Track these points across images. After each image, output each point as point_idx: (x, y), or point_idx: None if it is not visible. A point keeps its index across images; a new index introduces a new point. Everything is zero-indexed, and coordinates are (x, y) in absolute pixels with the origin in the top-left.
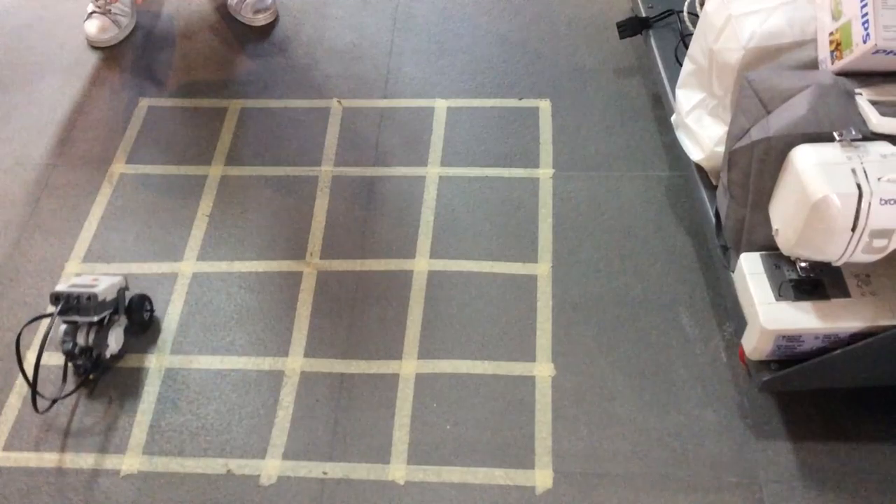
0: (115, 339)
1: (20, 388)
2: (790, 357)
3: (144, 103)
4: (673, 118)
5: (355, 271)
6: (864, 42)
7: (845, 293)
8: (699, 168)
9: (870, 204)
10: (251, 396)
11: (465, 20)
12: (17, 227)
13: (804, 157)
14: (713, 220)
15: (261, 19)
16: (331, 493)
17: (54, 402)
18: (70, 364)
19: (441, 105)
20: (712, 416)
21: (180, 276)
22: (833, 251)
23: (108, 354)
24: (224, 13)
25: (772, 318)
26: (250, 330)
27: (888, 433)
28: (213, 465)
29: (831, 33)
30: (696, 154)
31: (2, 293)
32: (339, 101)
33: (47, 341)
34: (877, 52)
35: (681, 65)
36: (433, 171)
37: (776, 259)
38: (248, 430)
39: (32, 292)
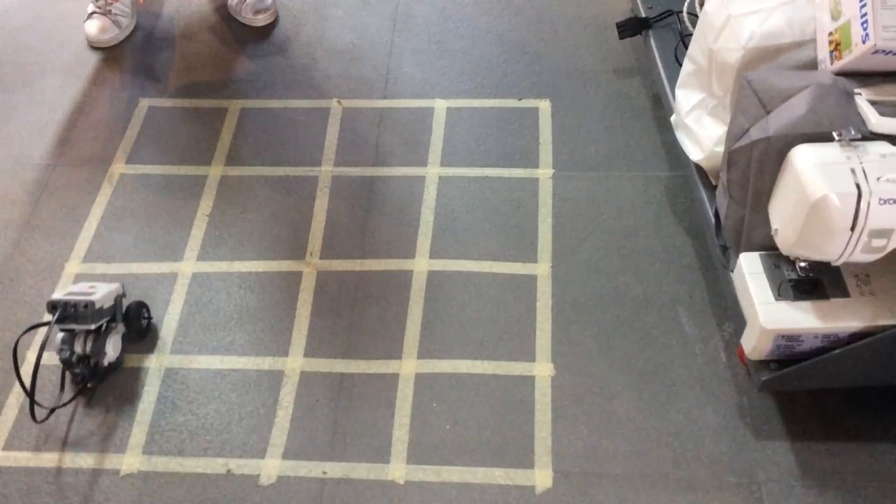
0: (112, 347)
1: (20, 388)
2: (789, 357)
3: (144, 103)
4: (672, 118)
5: (355, 271)
6: (864, 42)
7: (845, 293)
8: (699, 168)
9: (869, 204)
10: (251, 396)
11: (464, 20)
12: (17, 227)
13: (803, 157)
14: (713, 219)
15: (261, 20)
16: (330, 492)
17: (52, 411)
18: (68, 372)
19: (441, 105)
20: (712, 415)
21: (180, 276)
22: (832, 251)
23: (105, 362)
24: (224, 14)
25: (771, 317)
26: (250, 330)
27: (887, 433)
28: (213, 465)
29: (830, 33)
30: (695, 154)
31: (2, 293)
32: (338, 102)
33: (45, 349)
34: (876, 52)
35: (680, 65)
36: (433, 172)
37: (775, 259)
38: (247, 430)
39: (32, 292)
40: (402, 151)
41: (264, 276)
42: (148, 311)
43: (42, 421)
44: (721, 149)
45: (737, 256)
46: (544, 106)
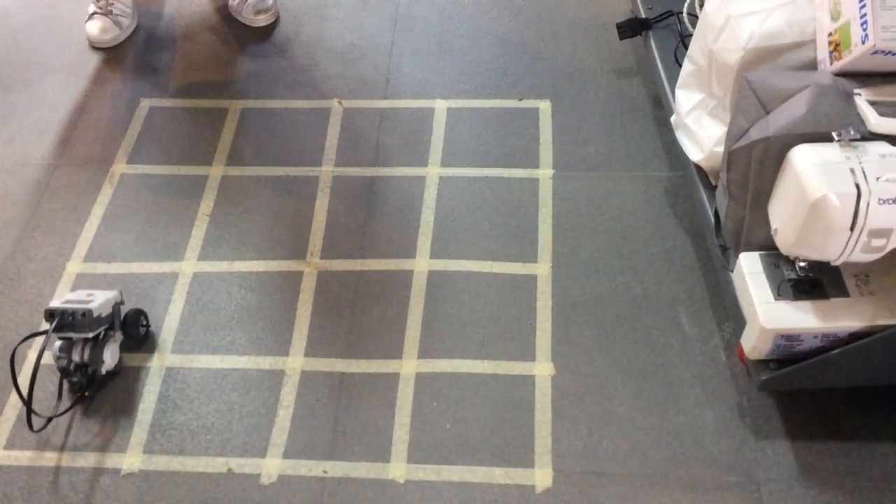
0: (110, 355)
1: (21, 386)
2: (789, 356)
3: (145, 104)
4: (672, 118)
5: (355, 271)
6: (863, 43)
7: (844, 293)
8: (698, 168)
9: (868, 204)
10: (252, 395)
11: (465, 21)
12: (18, 226)
13: (803, 157)
14: (712, 220)
15: (261, 20)
16: (331, 491)
17: (49, 420)
18: (65, 381)
19: (441, 105)
20: (711, 415)
21: (181, 276)
22: (832, 251)
23: (103, 371)
24: (225, 14)
25: (771, 317)
26: (251, 329)
27: (887, 433)
28: (214, 464)
29: (830, 34)
30: (695, 154)
31: (3, 293)
32: (339, 102)
33: (42, 358)
34: (875, 52)
35: (680, 65)
36: (433, 172)
37: (775, 259)
38: (248, 429)
39: (33, 292)
40: (403, 151)
41: (265, 276)
42: (146, 318)
43: (39, 430)
44: (721, 149)
45: (736, 256)
46: (544, 106)
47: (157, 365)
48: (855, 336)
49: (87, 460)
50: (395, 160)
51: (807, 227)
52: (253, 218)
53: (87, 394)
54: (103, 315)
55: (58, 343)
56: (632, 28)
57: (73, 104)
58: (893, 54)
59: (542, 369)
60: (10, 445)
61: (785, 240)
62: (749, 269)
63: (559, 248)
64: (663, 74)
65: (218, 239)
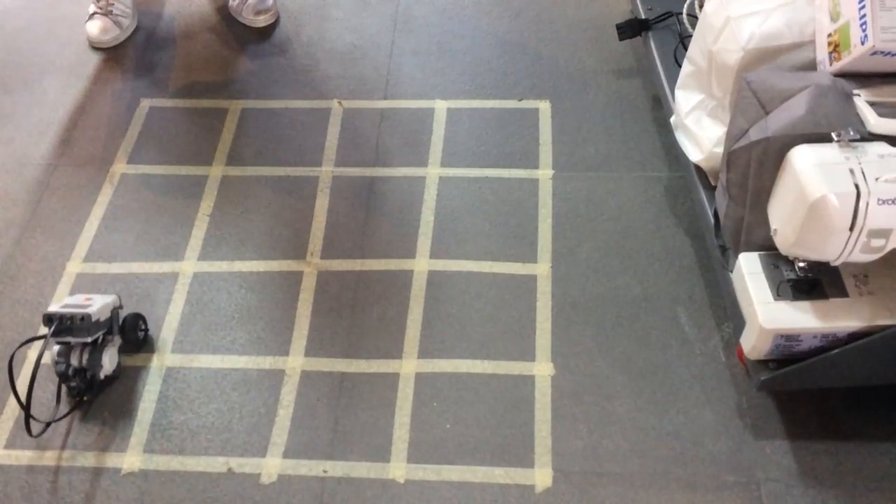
0: (109, 360)
1: (21, 386)
2: (788, 356)
3: (146, 104)
4: (672, 119)
5: (355, 271)
6: (863, 43)
7: (843, 293)
8: (698, 169)
9: (867, 204)
10: (252, 395)
11: (465, 21)
12: (18, 226)
13: (802, 158)
14: (712, 220)
15: (261, 20)
16: (331, 491)
17: (48, 425)
18: (64, 385)
19: (441, 106)
20: (711, 415)
21: (181, 276)
22: (831, 251)
23: (102, 375)
24: (225, 14)
25: (770, 317)
26: (251, 329)
27: (886, 432)
28: (214, 464)
29: (830, 35)
30: (695, 155)
31: (3, 292)
32: (339, 102)
33: (40, 362)
34: (875, 53)
35: (680, 66)
36: (433, 172)
37: (775, 259)
38: (248, 429)
39: (33, 292)
40: (403, 152)
41: (265, 276)
42: (144, 322)
43: (38, 435)
44: (720, 149)
45: (736, 256)
46: (544, 107)
47: (158, 365)
48: (854, 336)
49: (88, 460)
50: (395, 160)
51: (806, 227)
52: (253, 218)
53: (85, 398)
54: (102, 319)
55: (56, 348)
56: (631, 29)
57: (73, 104)
58: (893, 55)
59: (542, 369)
60: (10, 445)
61: (784, 240)
62: (748, 270)
63: (559, 249)
64: (663, 75)
65: (218, 239)
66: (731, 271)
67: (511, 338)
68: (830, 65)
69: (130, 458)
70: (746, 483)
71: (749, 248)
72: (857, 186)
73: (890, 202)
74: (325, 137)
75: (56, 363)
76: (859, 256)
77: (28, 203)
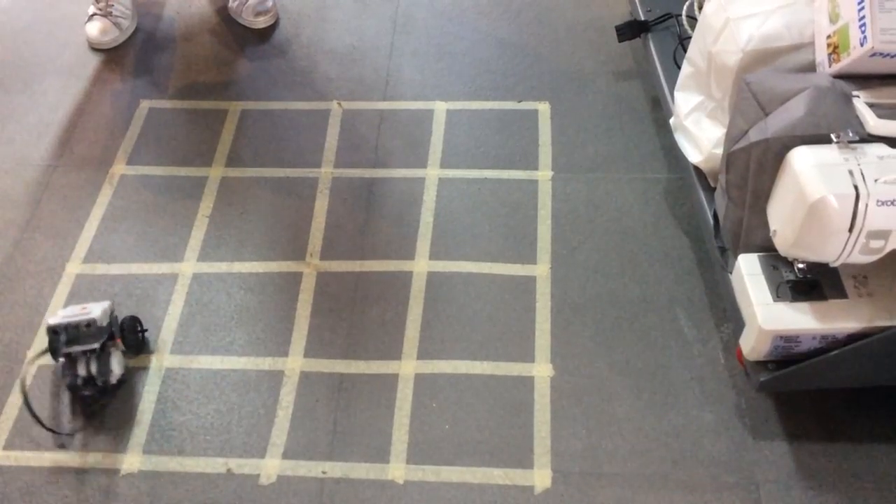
0: (117, 364)
1: (20, 389)
2: (788, 357)
3: (145, 105)
4: (671, 120)
5: (355, 272)
6: (862, 45)
7: (842, 294)
8: (697, 170)
9: (867, 205)
10: (251, 396)
11: (464, 23)
12: (18, 227)
13: (802, 159)
14: (711, 221)
15: (261, 22)
16: (330, 492)
17: (71, 436)
18: (76, 396)
19: (440, 107)
20: (710, 416)
21: (180, 277)
22: (830, 252)
23: (113, 380)
24: (224, 16)
25: (769, 318)
26: (250, 330)
27: (885, 433)
28: (213, 465)
29: (829, 36)
30: (694, 156)
31: (3, 294)
32: (339, 103)
33: (59, 374)
34: (874, 54)
35: (679, 67)
36: (433, 173)
37: (774, 260)
38: (247, 430)
39: (33, 293)
40: (402, 153)
41: (264, 277)
42: (140, 324)
43: (62, 446)
44: (720, 151)
45: (735, 258)
46: (543, 108)
47: (157, 366)
48: (853, 337)
49: (87, 461)
50: (394, 161)
51: (805, 228)
52: (252, 219)
53: (100, 403)
54: (105, 324)
55: (60, 361)
56: (631, 30)
57: (72, 105)
58: (892, 56)
59: (542, 370)
60: (9, 446)
61: (784, 241)
62: (748, 271)
63: (558, 250)
64: (662, 76)
65: (217, 240)
66: (731, 272)
67: (510, 339)
68: (830, 66)
69: (130, 459)
70: (746, 484)
71: (748, 250)
72: (856, 188)
73: (889, 203)
74: (324, 138)
75: (63, 376)
76: (858, 258)
77: (27, 204)
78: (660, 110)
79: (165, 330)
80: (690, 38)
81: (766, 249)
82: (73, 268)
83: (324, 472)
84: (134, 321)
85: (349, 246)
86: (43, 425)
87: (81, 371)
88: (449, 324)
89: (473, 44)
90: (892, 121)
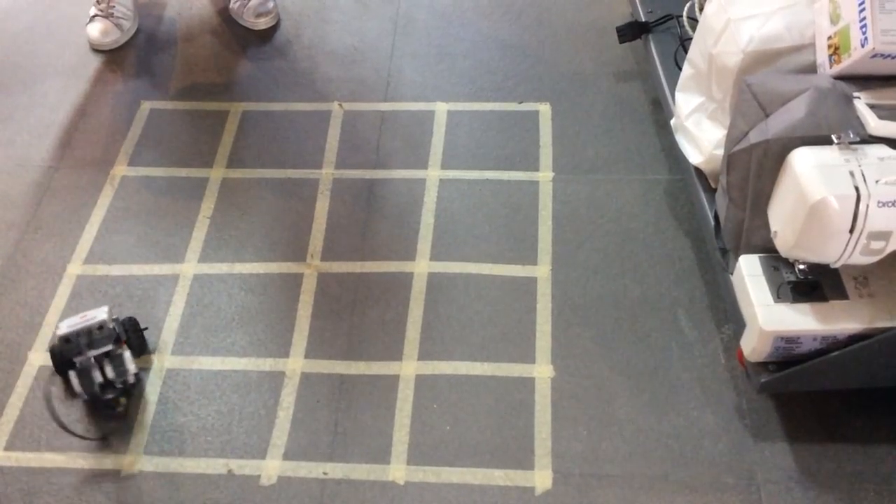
0: (130, 362)
1: (22, 388)
2: (788, 358)
3: (146, 106)
4: (672, 121)
5: (356, 273)
6: (863, 46)
7: (843, 295)
8: (698, 171)
9: (867, 206)
10: (252, 397)
11: (465, 24)
12: (18, 228)
13: (802, 160)
14: (712, 222)
15: (262, 23)
16: (331, 493)
17: (104, 439)
18: (99, 403)
19: (441, 108)
20: (711, 417)
21: (181, 278)
22: (831, 253)
23: (131, 379)
24: (225, 17)
25: (770, 319)
26: (251, 331)
27: (886, 435)
28: (214, 466)
29: (829, 37)
30: (695, 157)
31: (3, 294)
32: (339, 104)
33: (76, 387)
34: (875, 55)
35: (680, 69)
36: (433, 174)
37: (775, 261)
38: (248, 431)
39: (34, 294)
40: (403, 154)
41: (265, 278)
42: (137, 325)
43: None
44: (720, 152)
45: (736, 259)
46: (544, 109)
47: (158, 366)
48: (854, 338)
49: (87, 461)
50: (395, 162)
51: (806, 229)
52: (253, 220)
53: (122, 400)
54: (111, 326)
55: (72, 374)
56: (631, 31)
57: (73, 106)
58: (892, 58)
59: (542, 371)
60: (10, 446)
61: (784, 242)
62: (748, 272)
63: (559, 251)
64: (663, 78)
65: (218, 241)
66: (731, 273)
67: (511, 340)
68: (830, 67)
69: (130, 460)
70: (746, 485)
71: (749, 251)
72: (857, 189)
73: (890, 204)
74: (325, 140)
75: (81, 388)
76: (859, 259)
77: (28, 205)
78: (660, 111)
79: (166, 331)
80: (691, 39)
81: (767, 250)
82: (74, 269)
83: (324, 473)
84: (133, 321)
85: (350, 247)
86: (73, 434)
87: (98, 377)
88: (450, 325)
89: (474, 45)
90: (893, 122)
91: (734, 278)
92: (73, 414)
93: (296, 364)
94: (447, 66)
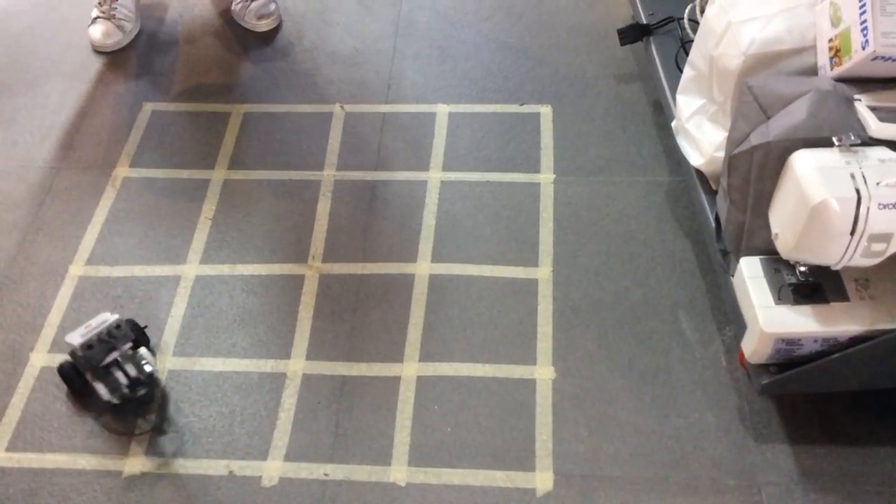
0: (149, 356)
1: (24, 389)
2: (789, 360)
3: (148, 107)
4: (673, 124)
5: (357, 274)
6: (863, 48)
7: (844, 297)
8: (699, 173)
9: (868, 208)
10: (253, 398)
11: (466, 26)
12: (20, 229)
13: (803, 162)
14: (713, 224)
15: (264, 25)
16: (332, 494)
17: (151, 432)
18: (132, 401)
19: (443, 110)
20: (712, 419)
21: (183, 279)
22: (832, 255)
23: (155, 373)
24: (227, 19)
25: (771, 321)
26: (252, 332)
27: (886, 436)
28: (215, 467)
29: (830, 40)
30: (696, 159)
31: (5, 295)
32: (341, 106)
33: (106, 395)
34: (875, 58)
35: (681, 71)
36: (435, 176)
37: (776, 263)
38: (249, 432)
39: (36, 295)
40: (404, 156)
41: (266, 279)
42: (137, 325)
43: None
44: (721, 154)
45: (737, 261)
46: (546, 111)
47: (159, 367)
48: (855, 340)
49: (89, 462)
50: (396, 164)
51: (807, 231)
52: (255, 221)
53: (152, 398)
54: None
55: (96, 385)
56: (633, 34)
57: (75, 108)
58: (893, 60)
59: (543, 373)
60: (11, 447)
61: (785, 244)
62: (749, 274)
63: (560, 253)
64: (664, 80)
65: (220, 242)
66: (733, 275)
67: (512, 341)
68: (831, 70)
69: (132, 461)
70: (747, 487)
71: (750, 253)
72: (857, 191)
73: (891, 206)
74: (326, 141)
75: (113, 393)
76: (860, 260)
77: (30, 206)
78: (661, 113)
79: (168, 332)
80: (692, 41)
81: (768, 252)
82: (76, 270)
83: (325, 475)
84: (132, 322)
85: (351, 248)
86: (118, 432)
87: (122, 379)
88: (451, 326)
89: (476, 47)
90: (894, 124)
91: (735, 280)
92: (87, 425)
93: (297, 365)
94: (448, 68)
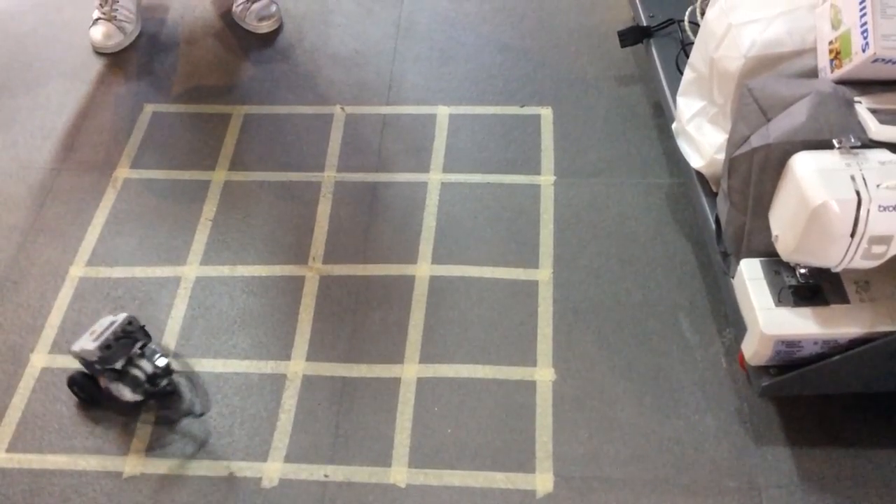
0: (159, 347)
1: (24, 390)
2: (789, 362)
3: (149, 109)
4: (673, 126)
5: (357, 276)
6: (864, 51)
7: (844, 299)
8: (699, 175)
9: (868, 210)
10: (253, 399)
11: (467, 28)
12: (21, 231)
13: (803, 164)
14: (713, 226)
15: (265, 26)
16: (332, 495)
17: (186, 416)
18: (156, 396)
19: (443, 112)
20: (712, 421)
21: (183, 280)
22: (832, 257)
23: (171, 365)
24: (228, 20)
25: (771, 323)
26: (253, 333)
27: (887, 439)
28: (215, 468)
29: (831, 42)
30: (696, 161)
31: (6, 297)
32: (342, 108)
33: (131, 394)
34: (876, 60)
35: (681, 73)
36: (435, 177)
37: (776, 265)
38: (250, 433)
39: (36, 296)
40: (405, 157)
41: (267, 281)
42: (138, 322)
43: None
44: (722, 156)
45: (737, 263)
46: (546, 113)
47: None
48: (855, 342)
49: (90, 463)
50: (397, 166)
51: (807, 233)
52: (255, 222)
53: (174, 388)
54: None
55: (122, 388)
56: (633, 36)
57: (76, 109)
58: (893, 62)
59: (544, 374)
60: (12, 448)
61: (785, 246)
62: (750, 276)
63: (560, 254)
64: (664, 82)
65: (220, 243)
66: (733, 277)
67: (512, 343)
68: (831, 72)
69: (132, 462)
70: (747, 489)
71: (750, 255)
72: (858, 193)
73: (891, 209)
74: (327, 143)
75: (135, 391)
76: (860, 263)
77: (31, 207)
78: (662, 115)
79: (168, 333)
80: (692, 43)
81: (768, 254)
82: (77, 271)
83: (326, 476)
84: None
85: (352, 250)
86: (173, 420)
87: (140, 375)
88: (451, 328)
89: (476, 49)
90: (894, 126)
91: (735, 282)
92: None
93: (297, 367)
94: (449, 70)
